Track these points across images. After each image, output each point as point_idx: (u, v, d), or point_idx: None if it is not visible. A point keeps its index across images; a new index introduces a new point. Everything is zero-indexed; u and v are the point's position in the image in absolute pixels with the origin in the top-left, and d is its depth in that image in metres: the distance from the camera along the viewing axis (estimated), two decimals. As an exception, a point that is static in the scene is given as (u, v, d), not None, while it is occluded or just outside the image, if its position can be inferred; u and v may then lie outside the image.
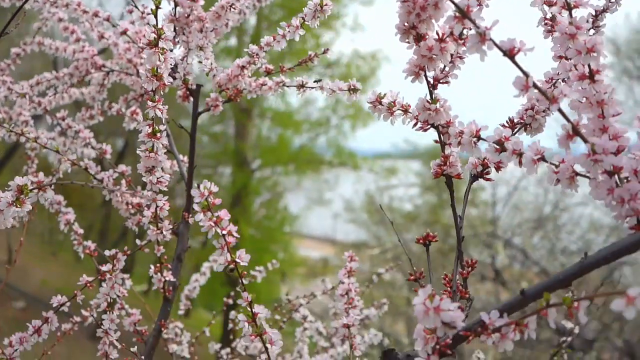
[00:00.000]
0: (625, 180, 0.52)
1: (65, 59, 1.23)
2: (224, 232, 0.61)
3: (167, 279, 0.96)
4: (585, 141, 0.51)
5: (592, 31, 0.72)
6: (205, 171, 10.91)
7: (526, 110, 0.69)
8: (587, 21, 0.64)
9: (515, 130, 0.69)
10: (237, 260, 0.62)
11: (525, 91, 0.50)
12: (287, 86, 0.95)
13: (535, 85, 0.50)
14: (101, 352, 0.94)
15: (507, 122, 0.69)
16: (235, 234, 0.62)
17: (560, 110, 0.51)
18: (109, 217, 9.52)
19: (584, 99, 0.54)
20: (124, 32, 1.00)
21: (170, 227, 0.91)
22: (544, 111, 0.68)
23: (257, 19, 8.51)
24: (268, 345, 0.64)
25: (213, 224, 0.61)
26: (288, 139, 11.28)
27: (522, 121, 0.69)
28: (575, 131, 0.51)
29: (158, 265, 0.96)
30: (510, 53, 0.51)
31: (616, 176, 0.53)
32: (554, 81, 0.70)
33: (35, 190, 0.65)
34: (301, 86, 0.93)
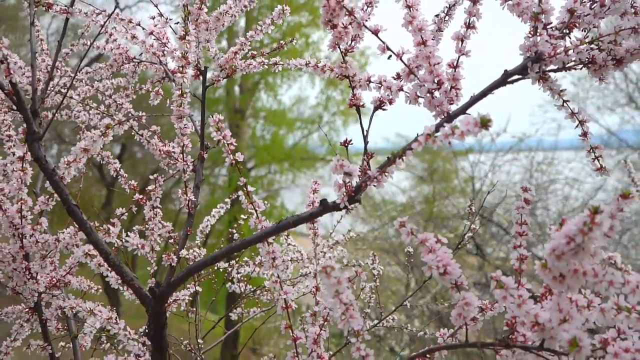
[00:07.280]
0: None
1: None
2: (228, 142, 1.07)
3: (190, 199, 1.42)
4: (416, 76, 0.97)
5: (447, 17, 1.17)
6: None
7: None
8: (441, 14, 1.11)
9: (401, 80, 1.15)
10: (237, 158, 1.08)
11: (383, 52, 0.96)
12: (267, 65, 1.42)
13: (388, 48, 0.96)
14: (148, 247, 1.40)
15: (396, 74, 1.15)
16: (235, 143, 1.08)
17: (402, 62, 0.97)
18: (109, 220, 9.94)
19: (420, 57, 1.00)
20: (151, 33, 1.46)
21: (192, 160, 1.37)
22: (417, 67, 1.13)
23: (246, 22, 8.99)
24: (256, 208, 1.10)
25: (222, 137, 1.07)
26: (281, 137, 11.73)
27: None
28: (410, 72, 0.97)
29: (184, 189, 1.41)
30: (375, 32, 0.97)
31: (437, 93, 0.99)
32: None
33: (117, 126, 1.11)
34: (275, 64, 1.40)
